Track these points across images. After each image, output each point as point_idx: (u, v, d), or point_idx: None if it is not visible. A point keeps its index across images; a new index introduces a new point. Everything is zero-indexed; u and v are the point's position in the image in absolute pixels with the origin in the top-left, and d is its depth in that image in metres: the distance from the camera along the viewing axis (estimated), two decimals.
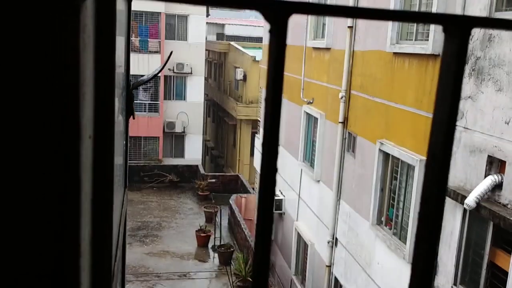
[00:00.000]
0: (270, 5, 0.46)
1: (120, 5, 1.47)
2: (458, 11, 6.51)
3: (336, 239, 10.49)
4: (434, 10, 7.06)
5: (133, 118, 1.67)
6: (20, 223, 0.45)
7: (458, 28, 0.49)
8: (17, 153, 0.42)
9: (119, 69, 1.39)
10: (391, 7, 8.21)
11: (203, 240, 16.99)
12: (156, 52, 24.44)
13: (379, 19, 0.50)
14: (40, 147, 0.44)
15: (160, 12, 24.33)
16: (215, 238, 16.86)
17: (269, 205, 0.50)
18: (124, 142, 1.60)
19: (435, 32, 7.00)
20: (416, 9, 7.79)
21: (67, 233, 0.46)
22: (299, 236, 12.71)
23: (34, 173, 0.42)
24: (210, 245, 16.96)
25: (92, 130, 0.60)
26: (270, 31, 0.48)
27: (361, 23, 9.52)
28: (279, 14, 0.46)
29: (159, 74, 24.24)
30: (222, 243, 16.58)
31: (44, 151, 0.44)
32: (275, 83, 0.48)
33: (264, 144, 0.47)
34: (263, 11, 0.46)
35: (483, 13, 6.06)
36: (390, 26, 8.22)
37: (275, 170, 0.48)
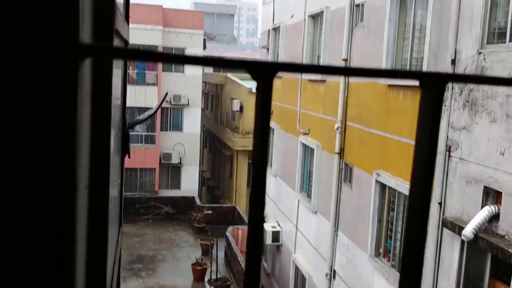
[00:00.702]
0: (256, 66, 0.49)
1: (116, 43, 1.51)
2: (450, 43, 6.66)
3: (334, 271, 10.37)
4: (427, 43, 7.21)
5: (129, 157, 1.69)
6: (14, 262, 0.47)
7: (433, 84, 0.53)
8: (11, 199, 0.44)
9: (116, 104, 1.43)
10: (384, 44, 8.38)
11: (199, 273, 16.71)
12: (153, 84, 24.68)
13: (358, 76, 0.53)
14: (35, 198, 0.46)
15: (157, 46, 24.69)
16: (211, 271, 16.60)
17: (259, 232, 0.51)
18: (119, 181, 1.62)
19: (429, 64, 7.13)
20: (409, 43, 7.95)
21: (60, 281, 0.47)
22: (296, 269, 12.54)
23: (30, 231, 0.44)
24: (206, 279, 16.67)
25: (87, 180, 0.62)
26: (257, 89, 0.51)
27: (356, 55, 9.70)
28: (265, 74, 0.49)
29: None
30: (218, 276, 16.32)
31: (39, 203, 0.46)
32: (262, 136, 0.51)
33: (251, 198, 0.49)
34: (250, 71, 0.49)
35: (475, 46, 6.19)
36: (384, 58, 8.37)
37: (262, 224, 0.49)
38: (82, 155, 0.55)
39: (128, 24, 1.56)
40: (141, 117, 2.87)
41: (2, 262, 0.46)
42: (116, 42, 1.04)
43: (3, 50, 0.43)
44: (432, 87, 0.53)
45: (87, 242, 0.67)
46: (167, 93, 4.15)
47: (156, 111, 2.93)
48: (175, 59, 0.49)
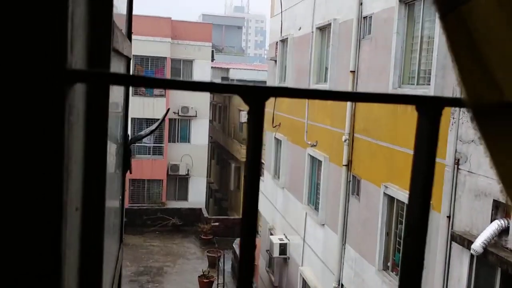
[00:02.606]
0: (248, 91, 0.49)
1: (118, 65, 1.52)
2: None
3: (342, 285, 10.25)
4: (435, 55, 7.19)
5: (130, 173, 1.69)
6: None
7: (429, 108, 0.51)
8: None
9: (117, 120, 1.43)
10: (392, 57, 8.37)
11: (206, 286, 16.62)
12: (161, 95, 24.82)
13: (352, 101, 0.52)
14: (18, 222, 0.45)
15: (165, 57, 24.88)
16: (218, 284, 16.50)
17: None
18: (121, 197, 1.62)
19: (437, 76, 7.11)
20: (417, 55, 7.94)
21: None
22: (304, 282, 12.42)
23: (12, 252, 0.43)
24: None
25: (80, 203, 0.61)
26: (248, 113, 0.51)
27: (363, 67, 9.70)
28: (256, 98, 0.49)
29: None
30: None
31: (23, 226, 0.45)
32: (254, 159, 0.50)
33: (242, 223, 0.48)
34: (242, 96, 0.49)
35: None
36: (392, 70, 8.36)
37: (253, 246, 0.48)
38: (72, 179, 0.54)
39: (130, 41, 1.57)
40: (143, 132, 2.88)
41: None
42: (115, 61, 1.04)
43: None
44: (429, 112, 0.52)
45: (80, 262, 0.66)
46: (169, 109, 4.20)
47: (157, 127, 2.94)
48: (163, 83, 0.48)
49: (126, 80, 0.46)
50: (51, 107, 0.43)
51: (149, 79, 0.47)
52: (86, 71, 0.55)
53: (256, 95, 0.49)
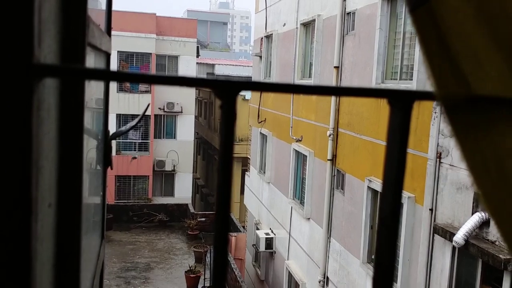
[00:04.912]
0: (220, 85, 0.49)
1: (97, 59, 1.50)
2: None
3: (327, 278, 10.34)
4: (417, 51, 7.26)
5: (111, 169, 1.68)
6: None
7: (401, 101, 0.52)
8: None
9: (96, 116, 1.41)
10: (375, 52, 8.42)
11: (192, 281, 16.62)
12: (146, 92, 24.64)
13: (327, 94, 0.53)
14: None
15: (151, 53, 24.69)
16: (205, 278, 16.51)
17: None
18: (102, 193, 1.60)
19: (419, 71, 7.18)
20: (400, 51, 8.00)
21: None
22: (290, 275, 12.50)
23: None
24: (200, 286, 16.58)
25: (54, 198, 0.61)
26: (221, 107, 0.51)
27: (347, 63, 9.75)
28: (228, 92, 0.49)
29: (149, 114, 24.36)
30: (212, 284, 16.22)
31: None
32: (226, 151, 0.50)
33: (216, 215, 0.48)
34: (214, 90, 0.49)
35: None
36: (375, 66, 8.42)
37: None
38: (43, 175, 0.54)
39: (110, 36, 1.56)
40: (123, 128, 2.86)
41: None
42: (92, 56, 1.03)
43: None
44: (400, 105, 0.52)
45: (55, 258, 0.65)
46: (148, 104, 4.17)
47: (138, 122, 2.93)
48: (137, 77, 0.48)
49: (96, 75, 0.45)
50: (17, 101, 0.43)
51: (121, 74, 0.47)
52: (54, 66, 0.54)
53: (227, 88, 0.49)
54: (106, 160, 1.55)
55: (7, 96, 0.42)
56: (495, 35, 0.45)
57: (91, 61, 1.03)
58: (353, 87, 0.51)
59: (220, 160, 0.48)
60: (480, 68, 0.47)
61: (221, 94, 0.49)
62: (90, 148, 1.08)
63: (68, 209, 0.68)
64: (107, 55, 1.49)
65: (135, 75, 0.46)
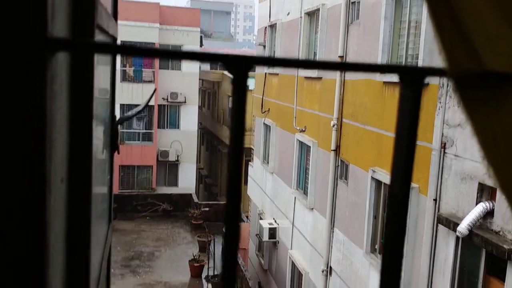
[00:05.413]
0: (232, 59, 0.49)
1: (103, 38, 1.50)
2: None
3: (331, 267, 10.39)
4: (422, 39, 7.21)
5: (118, 153, 1.69)
6: None
7: (412, 78, 0.52)
8: None
9: (104, 100, 1.42)
10: (380, 41, 8.37)
11: (196, 270, 16.74)
12: (150, 81, 24.63)
13: (338, 69, 0.53)
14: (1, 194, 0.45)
15: (154, 43, 24.63)
16: (208, 268, 16.62)
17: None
18: (109, 177, 1.61)
19: (424, 61, 7.14)
20: (405, 40, 7.95)
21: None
22: (293, 265, 12.56)
23: None
24: (203, 275, 16.70)
25: (65, 173, 0.61)
26: (232, 82, 0.51)
27: (352, 52, 9.70)
28: (240, 67, 0.49)
29: (153, 104, 24.37)
30: (216, 273, 16.34)
31: (4, 195, 0.45)
32: (238, 127, 0.50)
33: (228, 190, 0.48)
34: (226, 64, 0.49)
35: None
36: (380, 55, 8.37)
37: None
38: (56, 149, 0.54)
39: (116, 21, 1.55)
40: (130, 113, 2.86)
41: None
42: (100, 38, 1.03)
43: None
44: (411, 81, 0.52)
45: (66, 237, 0.66)
46: (155, 89, 4.16)
47: (144, 107, 2.93)
48: (148, 52, 0.48)
49: (107, 49, 0.45)
50: (32, 74, 0.43)
51: (132, 48, 0.47)
52: (67, 40, 0.54)
53: (239, 63, 0.49)
54: (112, 144, 1.56)
55: (23, 69, 0.42)
56: (507, 15, 0.45)
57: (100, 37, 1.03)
58: (365, 63, 0.51)
59: (231, 135, 0.48)
60: (490, 43, 0.47)
61: (232, 69, 0.49)
62: (97, 130, 1.09)
63: (78, 184, 0.69)
64: (114, 40, 1.49)
65: (144, 49, 0.46)
